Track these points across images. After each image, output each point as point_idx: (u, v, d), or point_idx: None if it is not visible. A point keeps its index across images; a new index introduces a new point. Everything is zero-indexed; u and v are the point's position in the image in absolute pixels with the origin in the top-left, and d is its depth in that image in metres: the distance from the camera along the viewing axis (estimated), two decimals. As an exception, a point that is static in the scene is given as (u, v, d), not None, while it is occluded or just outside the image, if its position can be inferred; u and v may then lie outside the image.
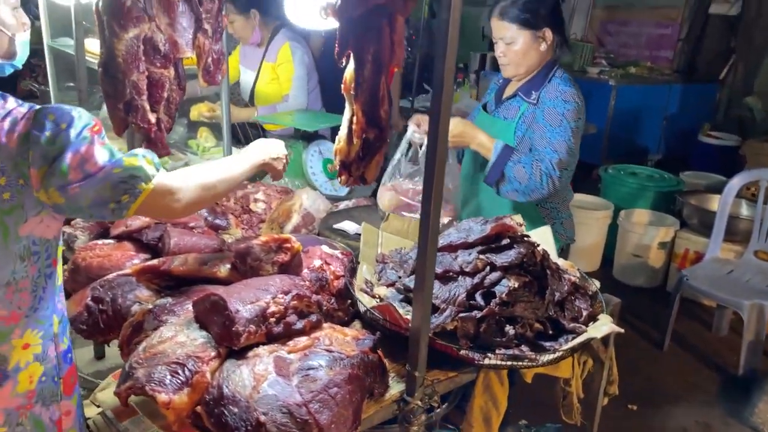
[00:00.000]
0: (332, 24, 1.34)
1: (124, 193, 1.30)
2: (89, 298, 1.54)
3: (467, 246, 1.58)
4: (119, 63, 1.83)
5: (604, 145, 5.92)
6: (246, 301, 1.31)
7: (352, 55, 1.22)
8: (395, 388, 1.40)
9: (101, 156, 1.30)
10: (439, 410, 1.41)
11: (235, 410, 1.15)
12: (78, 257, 1.72)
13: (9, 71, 1.43)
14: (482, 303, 1.48)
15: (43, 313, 1.39)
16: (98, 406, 2.41)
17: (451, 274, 1.53)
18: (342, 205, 2.38)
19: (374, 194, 2.41)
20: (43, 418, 1.43)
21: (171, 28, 1.87)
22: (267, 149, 1.66)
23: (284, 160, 1.71)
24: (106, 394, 2.29)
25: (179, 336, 1.33)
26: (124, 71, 1.83)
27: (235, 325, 1.26)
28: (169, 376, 1.22)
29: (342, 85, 1.29)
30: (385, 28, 1.21)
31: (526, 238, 1.61)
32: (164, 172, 1.35)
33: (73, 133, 1.29)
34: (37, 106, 1.33)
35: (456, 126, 2.14)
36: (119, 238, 1.78)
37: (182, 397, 1.21)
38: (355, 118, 1.23)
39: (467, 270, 1.52)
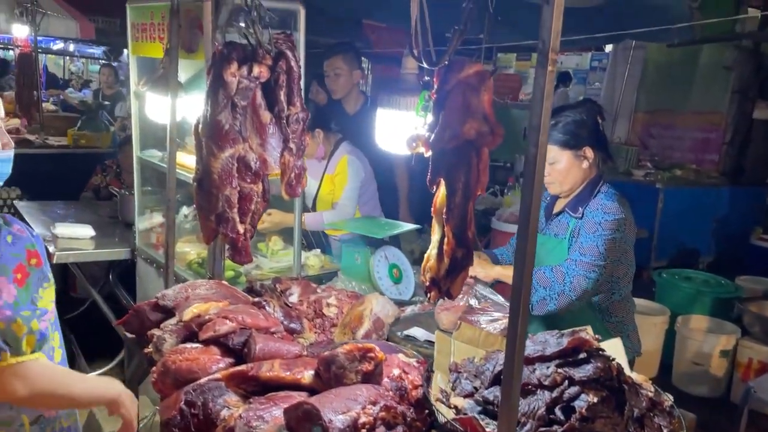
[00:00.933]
0: (418, 151, 1.48)
1: None
2: (183, 402, 1.62)
3: (544, 359, 1.62)
4: (214, 179, 2.00)
5: (653, 247, 5.92)
6: (338, 410, 1.38)
7: (443, 182, 1.35)
8: (479, 503, 1.41)
9: (8, 295, 1.32)
10: None
11: None
12: (168, 360, 1.82)
13: None
14: (562, 417, 1.50)
15: (7, 413, 1.44)
16: None
17: (529, 387, 1.56)
18: (408, 310, 2.46)
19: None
20: None
21: (262, 148, 2.05)
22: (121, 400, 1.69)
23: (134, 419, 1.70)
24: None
25: (272, 443, 1.40)
26: (218, 186, 2.00)
27: (330, 435, 1.32)
28: (266, 485, 1.27)
29: (432, 208, 1.41)
30: (473, 159, 1.34)
31: (601, 352, 1.65)
32: (36, 359, 1.36)
33: None
34: None
35: (474, 268, 2.26)
36: (206, 342, 1.88)
37: (279, 507, 1.25)
38: (446, 240, 1.34)
39: (546, 383, 1.56)
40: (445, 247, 1.34)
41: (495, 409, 1.56)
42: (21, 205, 4.18)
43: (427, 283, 1.45)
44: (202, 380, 1.68)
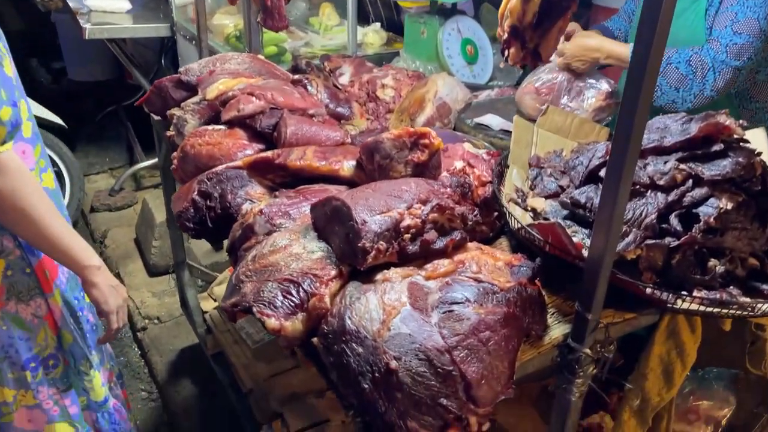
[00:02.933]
0: None
1: None
2: (195, 192, 1.34)
3: (661, 151, 1.20)
4: None
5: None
6: (375, 209, 1.04)
7: None
8: (556, 329, 1.10)
9: None
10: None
11: (360, 350, 0.91)
12: (187, 144, 1.52)
13: None
14: (678, 228, 1.11)
15: None
16: (215, 300, 2.32)
17: (638, 187, 1.16)
18: (483, 95, 2.02)
19: (519, 83, 2.02)
20: (22, 315, 1.31)
21: None
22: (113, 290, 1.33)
23: (121, 321, 1.35)
24: (224, 288, 2.19)
25: (294, 246, 1.10)
26: None
27: (362, 240, 1.00)
28: (280, 297, 1.00)
29: None
30: None
31: (743, 144, 1.19)
32: (7, 150, 1.14)
33: None
34: None
35: (575, 42, 1.75)
36: (230, 123, 1.56)
37: (295, 324, 0.99)
38: (537, -37, 0.86)
39: (660, 183, 1.15)
40: (534, -25, 0.87)
41: (587, 213, 1.19)
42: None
43: (505, 35, 0.99)
44: (219, 168, 1.38)
